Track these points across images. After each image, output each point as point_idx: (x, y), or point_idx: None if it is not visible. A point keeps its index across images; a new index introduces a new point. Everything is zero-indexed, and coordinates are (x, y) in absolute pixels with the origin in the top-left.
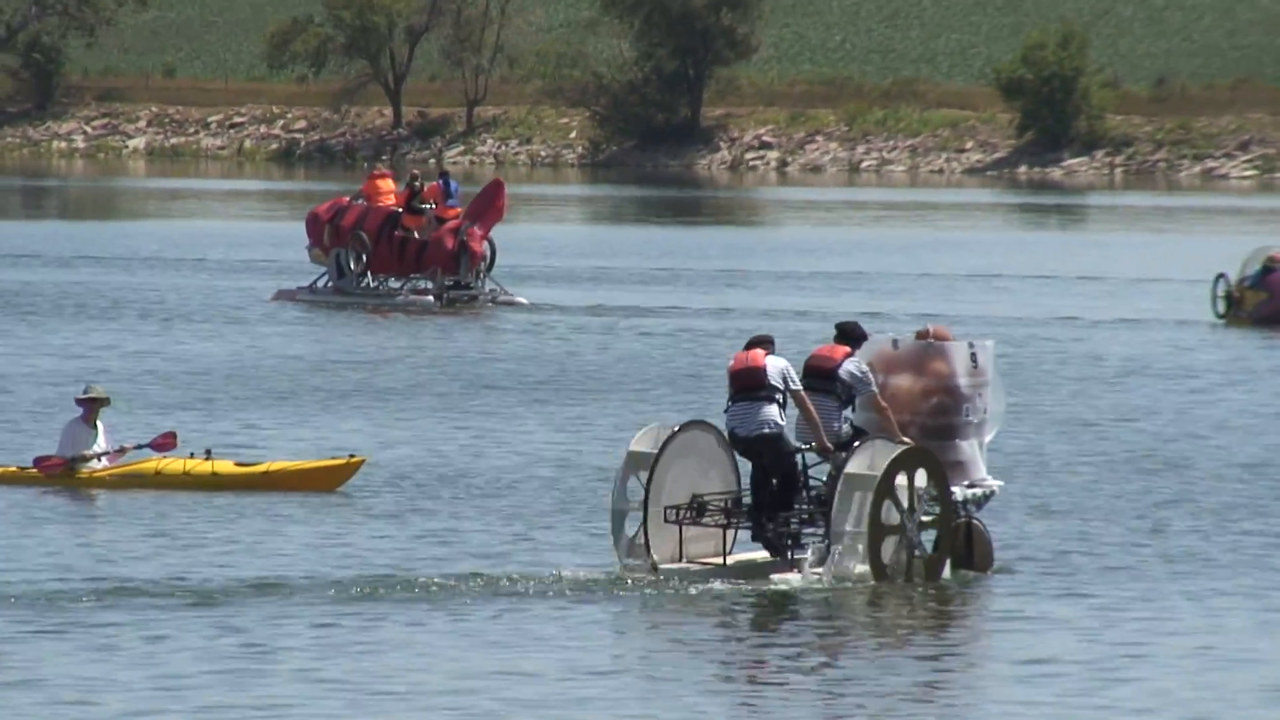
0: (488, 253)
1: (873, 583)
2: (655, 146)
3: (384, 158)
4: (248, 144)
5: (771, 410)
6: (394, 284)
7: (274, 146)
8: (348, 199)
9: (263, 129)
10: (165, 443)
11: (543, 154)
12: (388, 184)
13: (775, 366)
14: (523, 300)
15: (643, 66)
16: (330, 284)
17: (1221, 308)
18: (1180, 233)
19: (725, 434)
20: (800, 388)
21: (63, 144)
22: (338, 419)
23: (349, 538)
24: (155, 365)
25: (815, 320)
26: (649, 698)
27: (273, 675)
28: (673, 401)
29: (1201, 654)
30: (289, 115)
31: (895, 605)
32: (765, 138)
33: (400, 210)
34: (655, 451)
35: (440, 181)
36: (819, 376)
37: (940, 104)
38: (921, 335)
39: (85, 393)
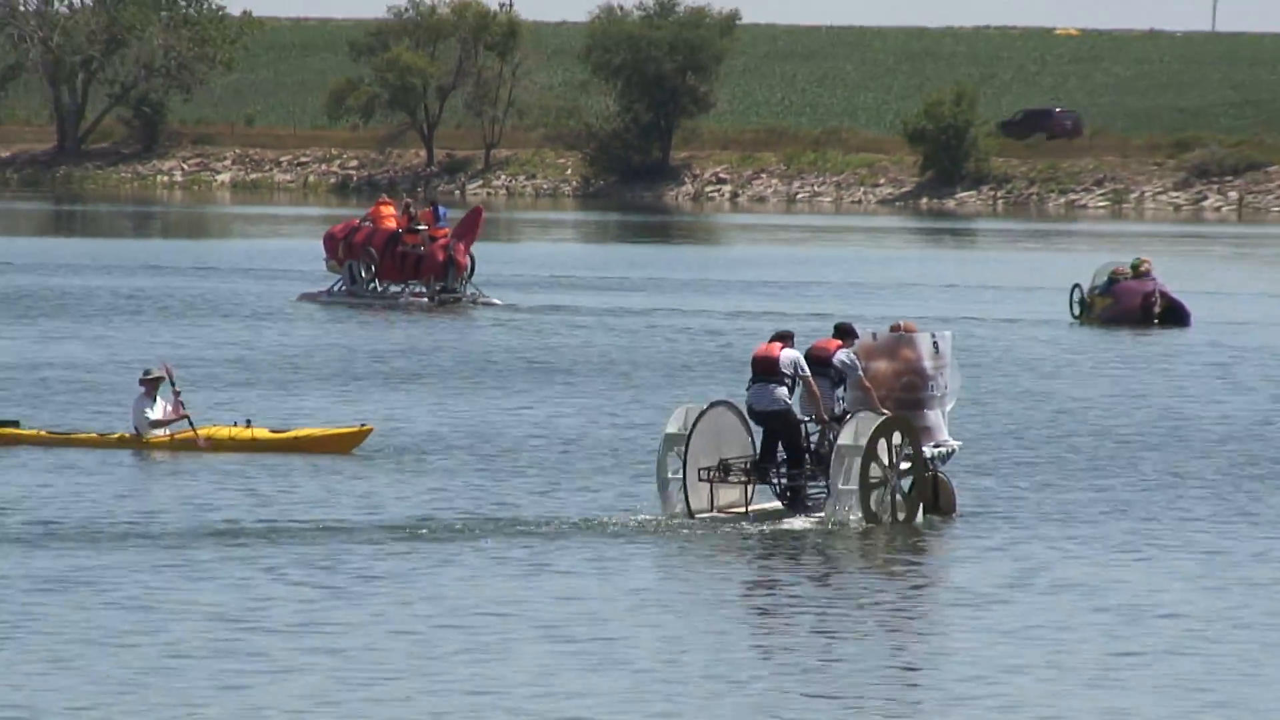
0: (469, 264)
1: (864, 524)
2: (634, 181)
3: (419, 190)
4: (311, 179)
5: (782, 391)
6: (395, 289)
7: (332, 180)
8: (357, 221)
9: (323, 166)
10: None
11: (545, 187)
12: (389, 209)
13: (788, 357)
14: (496, 301)
15: (624, 118)
16: (344, 288)
17: (1077, 311)
18: (1046, 251)
19: (745, 409)
20: (809, 374)
21: (165, 178)
22: (351, 395)
23: (372, 491)
24: (204, 352)
25: (756, 319)
26: (688, 614)
27: (334, 601)
28: (635, 384)
29: (1111, 586)
30: (344, 156)
31: (879, 542)
32: (721, 174)
33: (401, 230)
34: (689, 425)
35: (431, 208)
36: (818, 363)
37: (859, 149)
38: (894, 329)
39: (146, 374)
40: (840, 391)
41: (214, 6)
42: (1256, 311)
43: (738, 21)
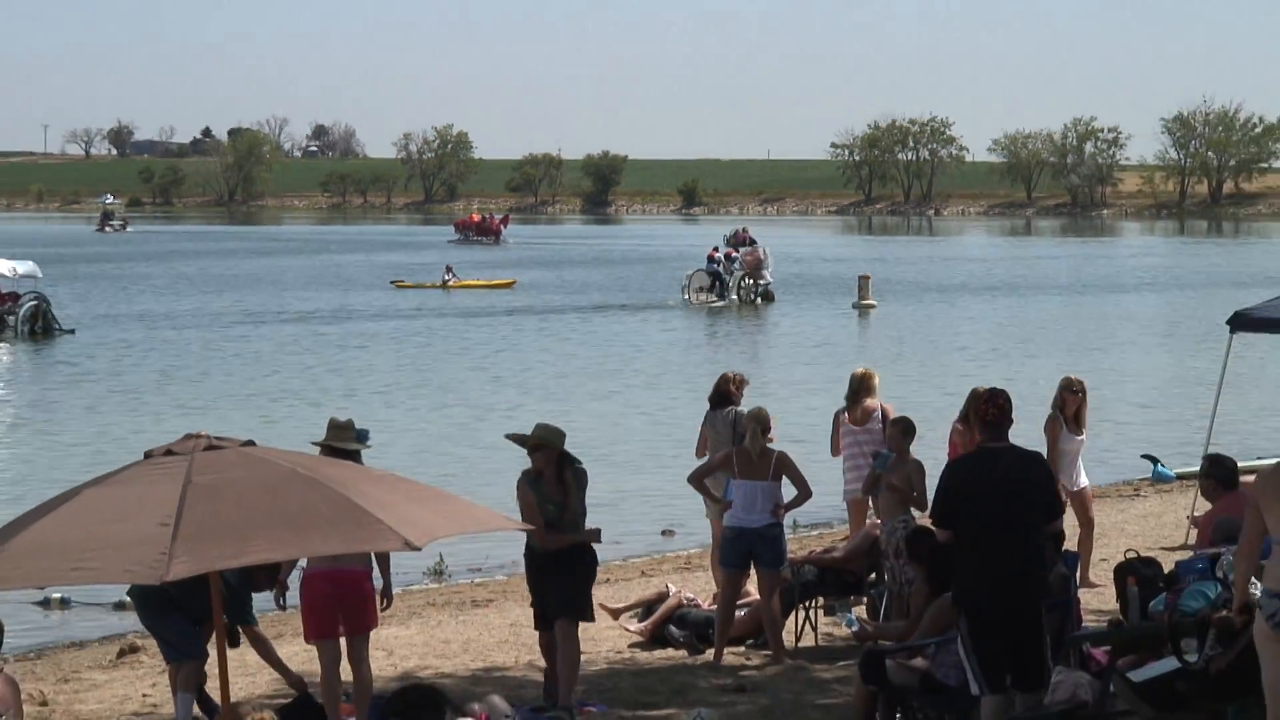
0: (503, 230)
1: (738, 303)
2: (598, 208)
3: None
4: (502, 211)
5: (715, 266)
6: (480, 239)
7: (510, 211)
8: (466, 219)
9: (505, 204)
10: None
11: (569, 210)
12: (476, 215)
13: (719, 252)
14: (511, 241)
15: (594, 188)
16: (461, 239)
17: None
18: (721, 226)
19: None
20: (725, 259)
21: (462, 209)
22: (492, 270)
23: (522, 298)
24: (436, 258)
25: (642, 246)
26: (688, 337)
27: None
28: (618, 267)
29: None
30: (511, 202)
31: (749, 313)
32: (623, 204)
33: (478, 221)
34: (692, 273)
35: (490, 215)
36: (728, 257)
37: (666, 198)
38: (751, 245)
39: (447, 268)
40: (734, 265)
41: (469, 156)
42: (791, 244)
43: (627, 158)
